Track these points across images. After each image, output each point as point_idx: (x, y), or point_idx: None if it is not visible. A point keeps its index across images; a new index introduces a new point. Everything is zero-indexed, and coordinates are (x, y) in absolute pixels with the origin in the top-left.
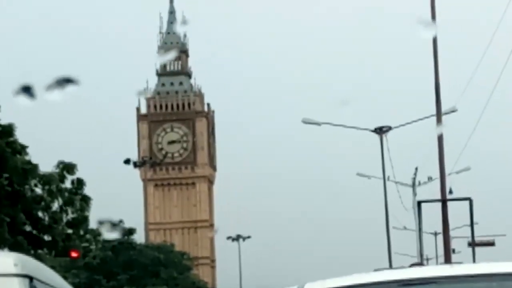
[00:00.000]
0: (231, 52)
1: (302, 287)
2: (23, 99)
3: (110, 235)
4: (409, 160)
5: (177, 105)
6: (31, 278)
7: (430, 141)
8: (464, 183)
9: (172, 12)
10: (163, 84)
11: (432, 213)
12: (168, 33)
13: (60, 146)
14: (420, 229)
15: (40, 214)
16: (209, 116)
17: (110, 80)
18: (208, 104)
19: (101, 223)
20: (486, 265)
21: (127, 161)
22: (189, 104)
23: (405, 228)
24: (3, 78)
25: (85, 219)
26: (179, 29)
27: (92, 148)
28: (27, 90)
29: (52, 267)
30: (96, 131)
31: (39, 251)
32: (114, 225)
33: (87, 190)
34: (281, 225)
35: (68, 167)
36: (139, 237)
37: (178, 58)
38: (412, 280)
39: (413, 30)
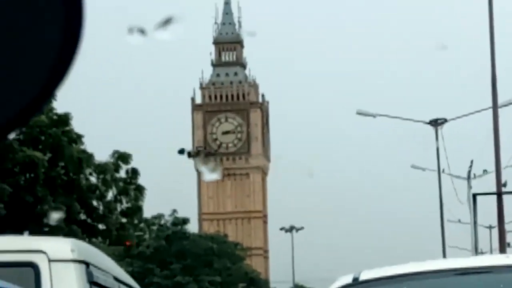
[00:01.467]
0: (285, 43)
1: (359, 275)
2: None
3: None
4: (464, 153)
5: (232, 96)
6: (87, 264)
7: (486, 133)
8: None
9: (227, 2)
10: (218, 75)
11: (488, 206)
12: (224, 23)
13: (115, 136)
14: (475, 223)
15: (94, 203)
16: (263, 107)
17: (166, 70)
18: (263, 95)
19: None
20: None
21: (181, 151)
22: (243, 95)
23: (459, 221)
24: None
25: (139, 209)
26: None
27: (147, 138)
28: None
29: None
30: (151, 121)
31: (94, 239)
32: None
33: (141, 180)
34: (335, 217)
35: (123, 157)
36: (192, 227)
37: (233, 49)
38: (469, 269)
39: (469, 21)
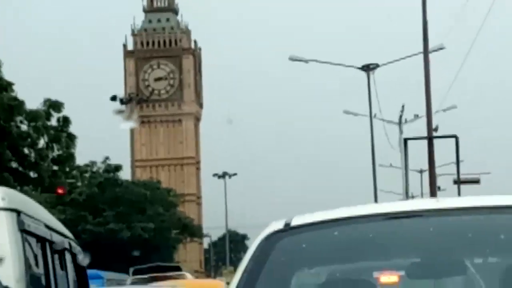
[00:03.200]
0: None
1: (290, 221)
2: None
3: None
4: (396, 98)
5: (164, 42)
6: (18, 212)
7: (417, 78)
8: (451, 121)
9: None
10: (150, 21)
11: (418, 150)
12: None
13: (46, 83)
14: (406, 167)
15: (26, 151)
16: (195, 53)
17: (97, 17)
18: (195, 41)
19: (119, 112)
20: (473, 198)
21: (113, 98)
22: (176, 41)
23: (391, 165)
24: None
25: (71, 156)
26: None
27: (79, 85)
28: None
29: (39, 203)
30: (83, 68)
31: (25, 187)
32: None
33: (73, 127)
34: (268, 163)
35: (54, 105)
36: (125, 174)
37: None
38: (399, 213)
39: None
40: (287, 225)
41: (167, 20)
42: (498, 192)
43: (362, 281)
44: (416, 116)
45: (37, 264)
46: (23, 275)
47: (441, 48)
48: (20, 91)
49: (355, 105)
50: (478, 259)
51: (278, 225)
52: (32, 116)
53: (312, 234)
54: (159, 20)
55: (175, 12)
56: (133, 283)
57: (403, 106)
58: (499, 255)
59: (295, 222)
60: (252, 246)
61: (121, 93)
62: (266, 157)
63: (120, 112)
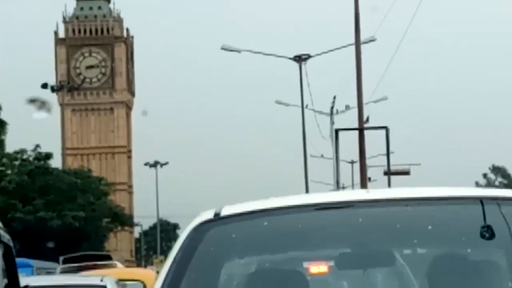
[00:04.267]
0: None
1: (220, 210)
2: None
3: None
4: (327, 89)
5: (96, 30)
6: None
7: (348, 70)
8: (381, 112)
9: None
10: (81, 8)
11: (350, 141)
12: None
13: None
14: (337, 158)
15: None
16: (128, 42)
17: (27, 3)
18: (127, 29)
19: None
20: (403, 190)
21: (44, 86)
22: (108, 29)
23: (322, 156)
24: None
25: (1, 143)
26: None
27: (9, 72)
28: None
29: None
30: (13, 55)
31: None
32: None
33: (3, 115)
34: (199, 153)
35: None
36: (56, 162)
37: None
38: (329, 204)
39: None
40: (216, 215)
41: (99, 7)
42: (428, 183)
43: (292, 271)
44: (348, 107)
45: None
46: None
47: (372, 40)
48: None
49: (287, 96)
50: (406, 250)
51: (208, 215)
52: None
53: (242, 224)
54: (91, 8)
55: (107, 0)
56: (62, 271)
57: (334, 97)
58: (427, 246)
59: (225, 212)
60: (182, 236)
61: (52, 81)
62: (198, 147)
63: (32, 101)
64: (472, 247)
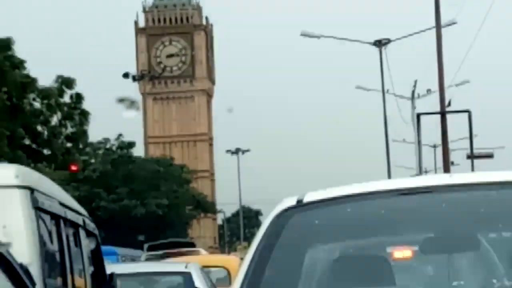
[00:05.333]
0: None
1: (303, 197)
2: None
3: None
4: (408, 73)
5: (175, 19)
6: (32, 190)
7: (429, 53)
8: (463, 95)
9: None
10: None
11: (432, 125)
12: None
13: (59, 60)
14: (419, 142)
15: (39, 128)
16: (207, 30)
17: None
18: (207, 18)
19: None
20: (485, 174)
21: (126, 75)
22: (187, 18)
23: (404, 141)
24: None
25: (84, 133)
26: None
27: (91, 62)
28: None
29: (52, 180)
30: (94, 45)
31: (39, 164)
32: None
33: (86, 104)
34: (281, 139)
35: (67, 82)
36: (138, 151)
37: None
38: (412, 189)
39: None
40: (299, 201)
41: None
42: None
43: (376, 256)
44: (429, 91)
45: (51, 242)
46: (37, 253)
47: (453, 23)
48: (33, 69)
49: (367, 81)
50: (491, 234)
51: (291, 201)
52: (45, 93)
53: (324, 210)
54: None
55: None
56: (147, 259)
57: (415, 81)
58: None
59: (308, 198)
60: (265, 223)
61: (133, 70)
62: (279, 133)
63: (122, 100)
64: None
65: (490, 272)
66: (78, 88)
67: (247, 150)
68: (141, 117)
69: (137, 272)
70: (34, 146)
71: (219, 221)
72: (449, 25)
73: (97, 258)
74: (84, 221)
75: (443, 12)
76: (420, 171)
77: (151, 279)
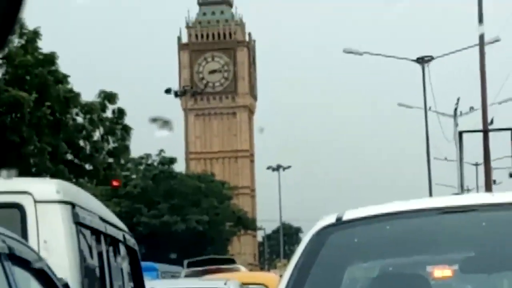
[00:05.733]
0: None
1: (342, 215)
2: None
3: (162, 132)
4: (451, 90)
5: (218, 35)
6: (73, 205)
7: (472, 71)
8: (506, 113)
9: None
10: (204, 14)
11: (474, 143)
12: None
13: (102, 76)
14: (461, 160)
15: (81, 143)
16: (250, 46)
17: (151, 10)
18: (249, 34)
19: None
20: None
21: (168, 91)
22: (230, 34)
23: (446, 159)
24: (45, 8)
25: (126, 148)
26: None
27: (134, 77)
28: None
29: (93, 196)
30: (137, 60)
31: (81, 180)
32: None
33: (128, 120)
34: (322, 156)
35: (109, 96)
36: (179, 167)
37: None
38: (453, 208)
39: None
40: (339, 219)
41: (222, 12)
42: None
43: (416, 275)
44: (472, 109)
45: (91, 257)
46: (78, 267)
47: (497, 40)
48: (76, 84)
49: (409, 98)
50: None
51: (330, 219)
52: (88, 108)
53: (364, 228)
54: (213, 13)
55: (229, 4)
56: (187, 275)
57: (458, 99)
58: None
59: (347, 216)
60: (304, 240)
61: (175, 86)
62: (320, 150)
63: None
64: None
65: None
66: (120, 103)
67: (288, 167)
68: (183, 133)
69: None
70: (76, 161)
71: (259, 238)
72: (492, 42)
73: (136, 274)
74: (124, 237)
75: (487, 29)
76: (462, 189)
77: None
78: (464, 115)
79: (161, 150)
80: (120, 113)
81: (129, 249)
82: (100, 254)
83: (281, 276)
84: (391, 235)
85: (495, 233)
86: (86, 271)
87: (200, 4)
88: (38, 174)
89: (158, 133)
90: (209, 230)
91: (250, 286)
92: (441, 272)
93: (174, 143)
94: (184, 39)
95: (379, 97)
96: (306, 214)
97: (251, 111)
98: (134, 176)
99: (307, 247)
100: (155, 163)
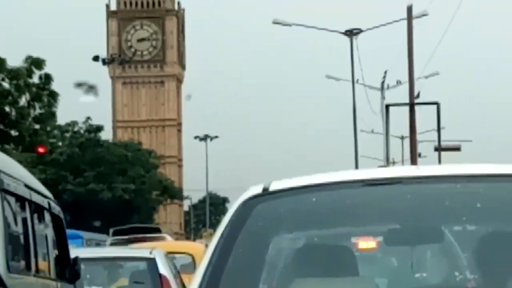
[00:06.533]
0: None
1: (268, 185)
2: None
3: (87, 98)
4: (378, 64)
5: (147, 3)
6: None
7: (400, 45)
8: (432, 87)
9: None
10: None
11: (400, 117)
12: None
13: (28, 41)
14: (387, 133)
15: (7, 109)
16: (179, 15)
17: None
18: (179, 2)
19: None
20: (453, 166)
21: (96, 58)
22: (159, 2)
23: (372, 131)
24: None
25: (53, 115)
26: None
27: (62, 44)
28: None
29: (19, 162)
30: (66, 27)
31: (6, 146)
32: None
33: (55, 86)
34: (249, 126)
35: (36, 62)
36: (106, 135)
37: None
38: (378, 180)
39: None
40: (265, 190)
41: None
42: (479, 160)
43: (340, 246)
44: (399, 82)
45: (16, 223)
46: (1, 234)
47: (424, 15)
48: (1, 49)
49: (338, 70)
50: (455, 227)
51: (256, 189)
52: (14, 74)
53: (290, 199)
54: None
55: None
56: (112, 243)
57: (385, 72)
58: (476, 223)
59: (274, 187)
60: (230, 210)
61: (103, 53)
62: (248, 121)
63: (79, 85)
64: None
65: (452, 264)
66: (47, 70)
67: (216, 137)
68: (110, 100)
69: (101, 256)
70: (1, 127)
71: (186, 208)
72: (420, 17)
73: (61, 241)
74: (49, 204)
75: (415, 4)
76: (388, 162)
77: (115, 264)
78: (391, 88)
79: (88, 118)
80: (47, 79)
81: (54, 216)
82: (24, 221)
83: (206, 245)
84: (317, 206)
85: (420, 206)
86: (10, 238)
87: None
88: None
89: (83, 98)
90: (135, 198)
91: (176, 255)
92: (365, 243)
93: (101, 111)
94: (113, 7)
95: (308, 68)
96: (233, 184)
97: (179, 80)
98: (60, 144)
99: (233, 217)
100: (82, 131)
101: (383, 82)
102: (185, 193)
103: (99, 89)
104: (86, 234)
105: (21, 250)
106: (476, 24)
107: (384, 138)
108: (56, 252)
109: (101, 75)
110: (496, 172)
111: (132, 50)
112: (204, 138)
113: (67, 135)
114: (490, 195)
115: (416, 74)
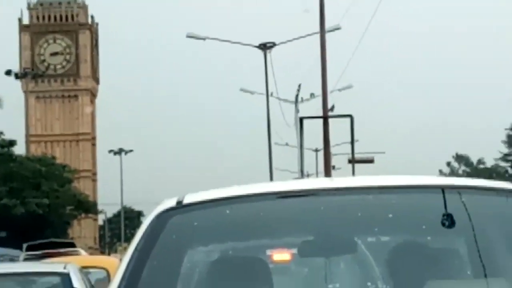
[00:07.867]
0: None
1: (183, 198)
2: None
3: None
4: (292, 77)
5: (60, 17)
6: None
7: (313, 58)
8: (346, 100)
9: None
10: None
11: (314, 130)
12: None
13: None
14: (301, 146)
15: None
16: (92, 29)
17: None
18: (92, 17)
19: None
20: (365, 178)
21: (8, 72)
22: (72, 16)
23: (287, 144)
24: None
25: None
26: None
27: None
28: None
29: None
30: None
31: None
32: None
33: None
34: (163, 140)
35: None
36: (19, 149)
37: None
38: (293, 192)
39: None
40: (179, 202)
41: None
42: (392, 172)
43: (255, 258)
44: (312, 95)
45: None
46: None
47: (337, 28)
48: None
49: (252, 84)
50: (368, 238)
51: (171, 202)
52: None
53: (204, 212)
54: None
55: None
56: (26, 259)
57: (299, 85)
58: (388, 234)
59: (188, 199)
60: (144, 224)
61: (16, 68)
62: (162, 135)
63: None
64: (432, 235)
65: (365, 275)
66: None
67: (130, 151)
68: (23, 114)
69: (14, 272)
70: None
71: (100, 222)
72: (333, 30)
73: None
74: None
75: (328, 17)
76: (302, 174)
77: (28, 279)
78: (305, 101)
79: (0, 132)
80: None
81: None
82: None
83: (121, 259)
84: (231, 219)
85: (333, 218)
86: None
87: None
88: None
89: None
90: (49, 213)
91: (91, 269)
92: (280, 255)
93: (14, 126)
94: (26, 21)
95: (222, 82)
96: (147, 198)
97: (93, 94)
98: None
99: (147, 230)
100: None
101: (297, 95)
102: (99, 207)
103: (11, 103)
104: None
105: None
106: (388, 38)
107: (298, 151)
108: None
109: (14, 90)
110: (408, 183)
111: (45, 64)
112: (119, 152)
113: None
114: (402, 206)
115: (329, 87)
